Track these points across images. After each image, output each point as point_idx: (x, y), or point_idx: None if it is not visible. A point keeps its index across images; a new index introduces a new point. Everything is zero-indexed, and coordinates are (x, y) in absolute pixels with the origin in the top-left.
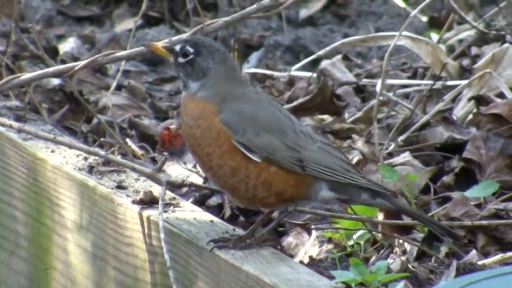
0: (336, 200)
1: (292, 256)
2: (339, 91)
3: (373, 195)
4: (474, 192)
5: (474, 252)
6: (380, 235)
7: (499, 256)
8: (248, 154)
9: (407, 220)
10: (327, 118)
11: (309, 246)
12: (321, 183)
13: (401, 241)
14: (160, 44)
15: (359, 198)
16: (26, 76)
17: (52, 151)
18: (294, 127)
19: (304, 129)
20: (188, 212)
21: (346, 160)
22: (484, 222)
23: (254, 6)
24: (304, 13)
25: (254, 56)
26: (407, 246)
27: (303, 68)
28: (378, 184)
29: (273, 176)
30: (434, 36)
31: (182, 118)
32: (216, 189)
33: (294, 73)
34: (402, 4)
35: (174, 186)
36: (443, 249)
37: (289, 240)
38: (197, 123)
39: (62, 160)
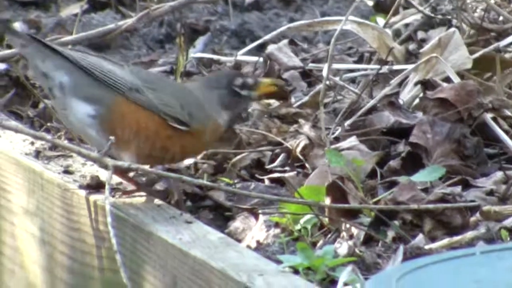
0: None
1: (239, 241)
2: (285, 75)
3: None
4: (421, 177)
5: (421, 236)
6: (327, 219)
7: (446, 241)
8: None
9: (354, 204)
10: (274, 102)
11: (256, 230)
12: None
13: (348, 225)
14: None
15: None
16: None
17: None
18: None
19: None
20: (135, 197)
21: None
22: (431, 206)
23: None
24: None
25: (200, 41)
26: (354, 230)
27: (250, 53)
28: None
29: None
30: (380, 21)
31: None
32: (164, 174)
33: (240, 57)
34: None
35: (120, 170)
36: (390, 234)
37: (236, 225)
38: None
39: (9, 145)
